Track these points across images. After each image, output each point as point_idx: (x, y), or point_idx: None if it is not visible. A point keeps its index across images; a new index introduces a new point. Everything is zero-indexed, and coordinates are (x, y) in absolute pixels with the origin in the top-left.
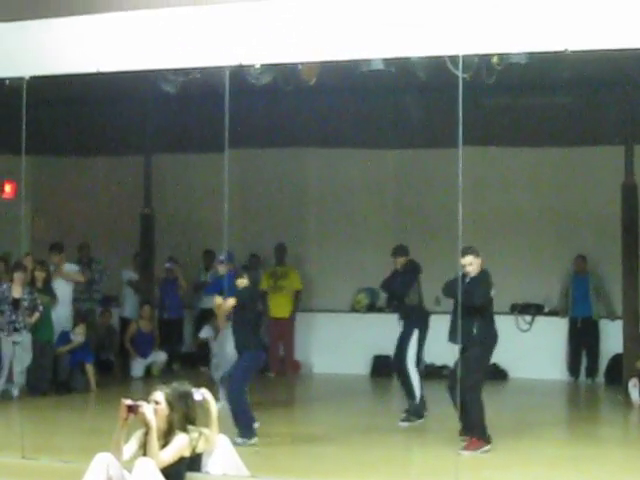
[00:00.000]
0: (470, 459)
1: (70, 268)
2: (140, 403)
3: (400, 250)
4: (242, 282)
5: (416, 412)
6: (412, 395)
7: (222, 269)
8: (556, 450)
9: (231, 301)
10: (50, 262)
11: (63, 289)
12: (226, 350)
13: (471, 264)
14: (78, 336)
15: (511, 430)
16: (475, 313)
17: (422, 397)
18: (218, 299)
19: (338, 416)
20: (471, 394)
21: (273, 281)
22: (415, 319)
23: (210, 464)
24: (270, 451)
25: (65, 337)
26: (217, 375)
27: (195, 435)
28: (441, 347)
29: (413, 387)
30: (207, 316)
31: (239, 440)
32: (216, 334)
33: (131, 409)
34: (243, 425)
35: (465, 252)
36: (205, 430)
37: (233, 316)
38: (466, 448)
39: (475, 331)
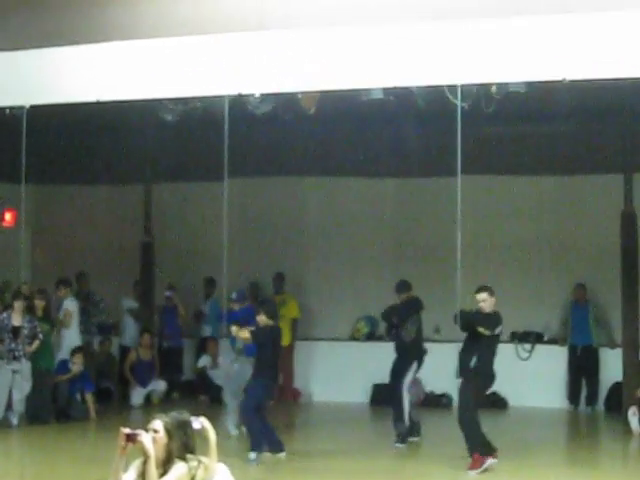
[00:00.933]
0: None
1: (70, 303)
2: (139, 432)
3: (402, 286)
4: (263, 320)
5: (407, 434)
6: (402, 419)
7: (236, 306)
8: (556, 478)
9: (246, 333)
10: (56, 296)
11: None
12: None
13: (484, 301)
14: (75, 365)
15: (510, 458)
16: (478, 348)
17: (411, 420)
18: (234, 329)
19: (337, 442)
20: (466, 415)
21: None
22: (414, 353)
23: None
24: (269, 476)
25: (64, 366)
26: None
27: (194, 464)
28: (440, 376)
29: (404, 412)
30: (207, 345)
31: (252, 455)
32: (213, 363)
33: (130, 438)
34: (254, 439)
35: (480, 289)
36: (204, 459)
37: (256, 352)
38: (471, 467)
39: (472, 365)
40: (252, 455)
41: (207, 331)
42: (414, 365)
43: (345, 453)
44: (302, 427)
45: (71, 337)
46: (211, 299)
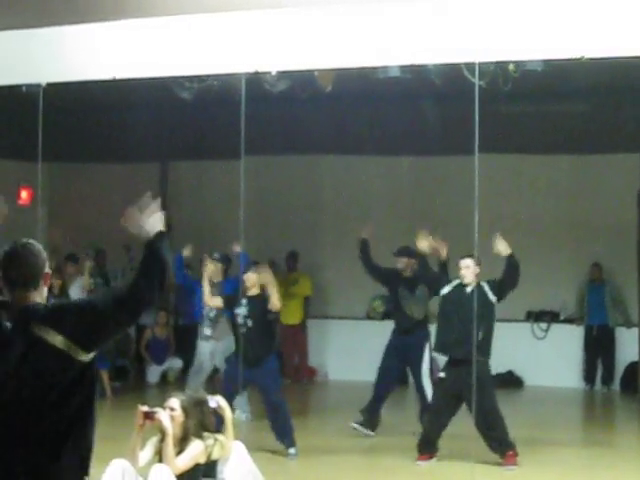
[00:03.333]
0: (486, 467)
1: (78, 283)
2: (156, 410)
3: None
4: (252, 284)
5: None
6: (425, 408)
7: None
8: (571, 458)
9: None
10: (65, 272)
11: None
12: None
13: (468, 267)
14: None
15: (526, 438)
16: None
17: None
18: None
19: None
20: (493, 412)
21: (284, 288)
22: (425, 334)
23: (225, 471)
24: (286, 459)
25: None
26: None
27: (210, 442)
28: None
29: (427, 399)
30: None
31: (292, 450)
32: None
33: (148, 416)
34: (288, 435)
35: (466, 256)
36: (220, 437)
37: (248, 327)
38: (508, 462)
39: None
40: (292, 450)
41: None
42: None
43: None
44: (318, 410)
45: None
46: (229, 277)
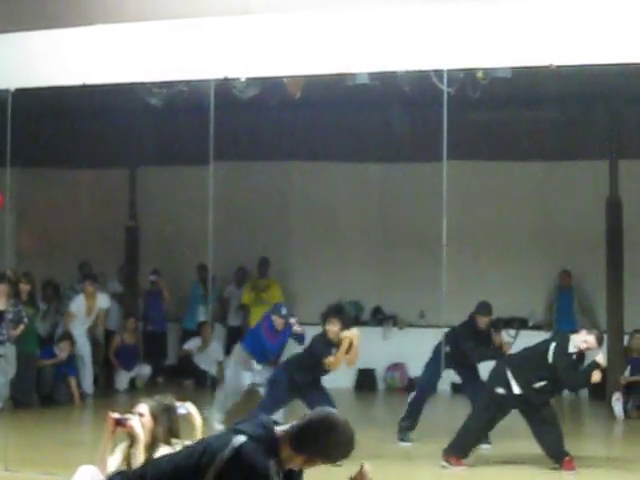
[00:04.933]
0: (452, 474)
1: (103, 299)
2: (128, 416)
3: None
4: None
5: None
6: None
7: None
8: (538, 464)
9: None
10: (85, 291)
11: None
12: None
13: None
14: (62, 352)
15: (494, 444)
16: None
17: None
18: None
19: None
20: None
21: (255, 294)
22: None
23: None
24: None
25: (49, 350)
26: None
27: (179, 448)
28: (425, 361)
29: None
30: (201, 329)
31: None
32: (204, 347)
33: (119, 422)
34: None
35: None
36: (189, 443)
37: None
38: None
39: None
40: None
41: (201, 315)
42: None
43: None
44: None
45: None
46: (200, 284)
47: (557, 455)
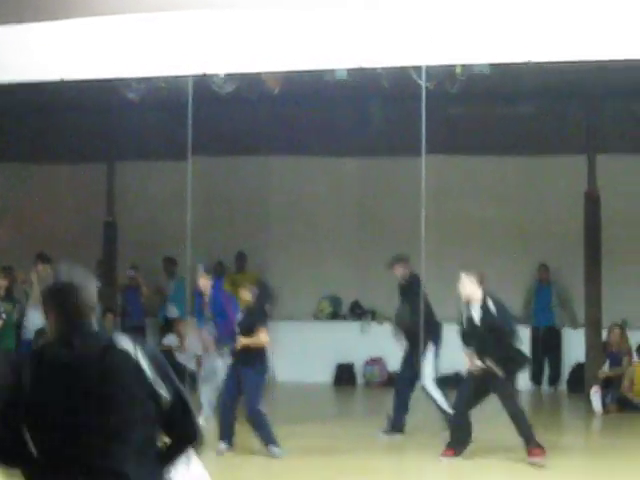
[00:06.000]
0: (424, 466)
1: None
2: None
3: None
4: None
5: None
6: (442, 411)
7: (205, 281)
8: (518, 459)
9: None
10: (37, 271)
11: None
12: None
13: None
14: None
15: (474, 440)
16: None
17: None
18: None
19: (304, 426)
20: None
21: (232, 289)
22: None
23: (173, 473)
24: (234, 462)
25: (28, 346)
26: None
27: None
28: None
29: (439, 404)
30: (171, 325)
31: (277, 450)
32: (181, 345)
33: None
34: (268, 437)
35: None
36: (168, 440)
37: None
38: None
39: None
40: (276, 450)
41: (173, 312)
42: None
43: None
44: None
45: (35, 317)
46: (175, 279)
47: None
